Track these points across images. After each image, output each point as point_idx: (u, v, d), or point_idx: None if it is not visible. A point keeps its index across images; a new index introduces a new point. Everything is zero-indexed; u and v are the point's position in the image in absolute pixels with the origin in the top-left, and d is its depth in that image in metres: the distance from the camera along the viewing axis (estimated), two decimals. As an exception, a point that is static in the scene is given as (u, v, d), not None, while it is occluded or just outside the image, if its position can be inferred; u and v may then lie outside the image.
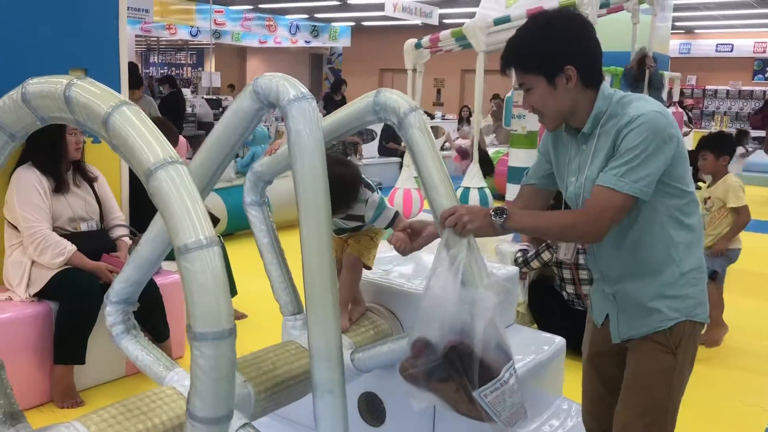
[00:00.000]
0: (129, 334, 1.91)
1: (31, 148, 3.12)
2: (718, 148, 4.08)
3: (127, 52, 3.72)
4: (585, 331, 2.11)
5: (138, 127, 1.25)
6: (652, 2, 5.92)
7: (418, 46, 6.64)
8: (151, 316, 3.27)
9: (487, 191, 6.07)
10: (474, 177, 6.04)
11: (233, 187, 6.11)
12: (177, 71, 23.50)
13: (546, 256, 3.59)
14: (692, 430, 2.77)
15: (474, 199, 5.90)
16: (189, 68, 24.86)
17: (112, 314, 1.89)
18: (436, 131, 14.31)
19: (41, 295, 3.07)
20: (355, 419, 2.55)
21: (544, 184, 2.03)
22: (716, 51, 19.19)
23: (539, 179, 2.03)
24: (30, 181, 3.06)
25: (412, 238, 2.04)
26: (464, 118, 13.01)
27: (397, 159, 10.77)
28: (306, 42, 18.81)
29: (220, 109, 10.75)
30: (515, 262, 3.78)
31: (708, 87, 19.29)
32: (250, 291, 4.31)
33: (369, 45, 21.25)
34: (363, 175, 2.27)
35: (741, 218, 4.04)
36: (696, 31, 19.20)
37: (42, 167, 3.11)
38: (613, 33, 6.70)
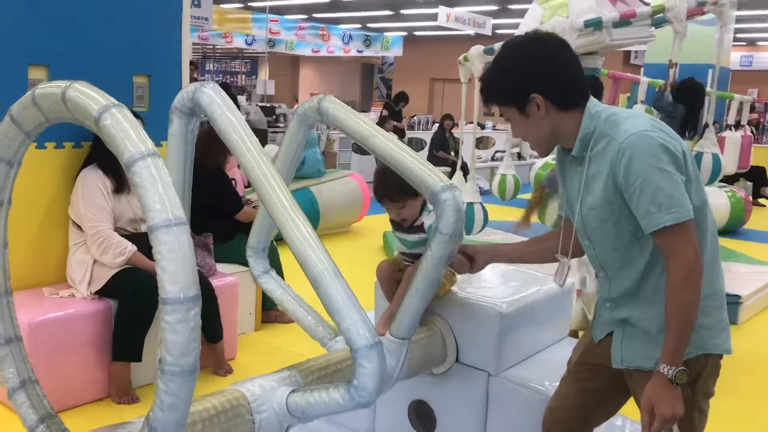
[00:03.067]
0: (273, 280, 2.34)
1: (96, 149, 3.24)
2: None
3: (188, 60, 3.82)
4: (581, 337, 2.06)
5: (123, 125, 1.36)
6: (720, 12, 5.69)
7: (488, 51, 6.37)
8: (205, 317, 3.32)
9: (477, 207, 5.55)
10: (467, 191, 5.59)
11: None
12: (232, 79, 23.95)
13: None
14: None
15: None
16: (243, 76, 25.32)
17: (256, 266, 2.32)
18: (487, 141, 14.22)
19: (102, 293, 3.17)
20: (405, 426, 2.55)
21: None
22: (776, 64, 18.63)
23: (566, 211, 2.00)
24: (94, 181, 3.17)
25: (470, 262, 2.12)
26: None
27: (447, 168, 10.78)
28: (358, 51, 18.99)
29: (274, 117, 10.93)
30: None
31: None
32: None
33: (420, 55, 21.31)
34: None
35: None
36: (758, 43, 18.67)
37: (105, 168, 3.21)
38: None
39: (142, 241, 3.21)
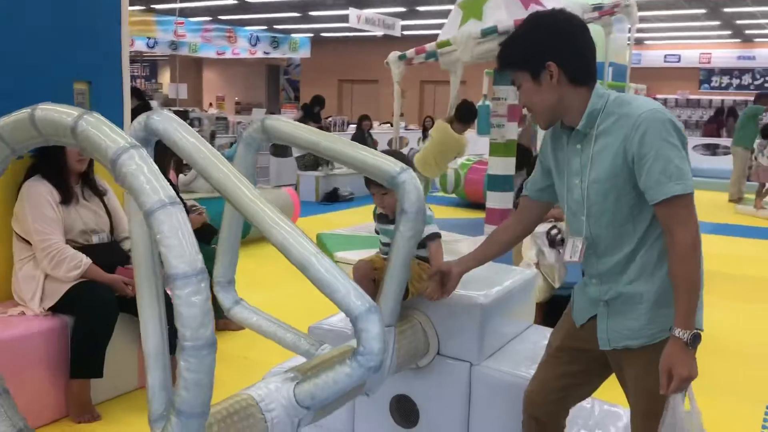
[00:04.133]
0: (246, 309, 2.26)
1: (40, 161, 3.10)
2: None
3: (128, 60, 3.70)
4: (559, 322, 2.15)
5: (98, 125, 1.37)
6: (628, 13, 6.09)
7: (402, 57, 6.80)
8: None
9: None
10: None
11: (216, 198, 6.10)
12: (131, 83, 23.10)
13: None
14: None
15: None
16: (143, 80, 24.49)
17: (225, 299, 2.25)
18: (400, 142, 14.43)
19: (55, 309, 3.03)
20: (387, 423, 2.60)
21: (540, 196, 2.11)
22: (665, 61, 19.92)
23: (535, 192, 2.11)
24: (41, 193, 3.03)
25: (443, 282, 2.19)
26: (428, 128, 13.16)
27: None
28: (265, 53, 18.78)
29: (188, 121, 10.66)
30: (550, 238, 3.70)
31: (658, 96, 19.95)
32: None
33: (328, 56, 21.33)
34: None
35: None
36: (646, 42, 19.87)
37: (51, 179, 3.08)
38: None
39: (94, 253, 3.10)
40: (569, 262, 1.96)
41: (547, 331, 2.77)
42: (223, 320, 4.21)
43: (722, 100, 18.54)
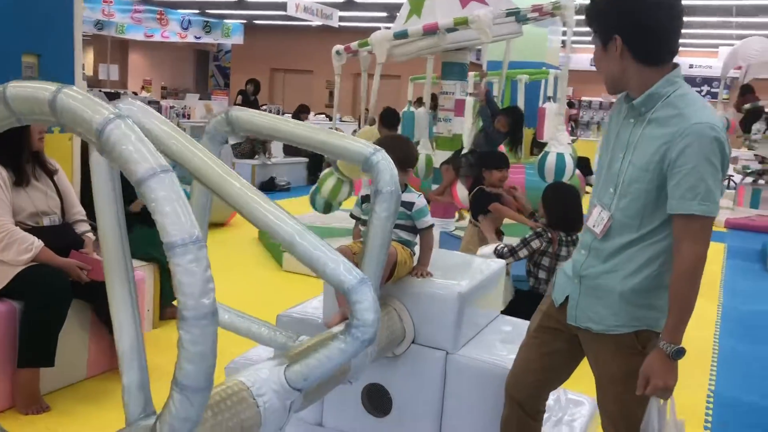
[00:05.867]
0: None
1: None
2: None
3: (81, 35, 3.53)
4: (539, 306, 2.19)
5: (79, 98, 1.32)
6: (564, 15, 6.27)
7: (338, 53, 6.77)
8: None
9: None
10: None
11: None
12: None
13: (536, 243, 3.64)
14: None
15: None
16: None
17: None
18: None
19: (3, 294, 2.86)
20: (359, 412, 2.58)
21: None
22: (590, 65, 20.56)
23: None
24: (-9, 173, 2.85)
25: None
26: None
27: (304, 159, 10.78)
28: (196, 38, 18.25)
29: (118, 104, 10.27)
30: (498, 254, 3.76)
31: (583, 98, 20.64)
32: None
33: (261, 44, 20.95)
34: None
35: None
36: (573, 46, 20.48)
37: (2, 159, 2.90)
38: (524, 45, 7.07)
39: (45, 236, 2.95)
40: (589, 230, 1.94)
41: (515, 321, 2.84)
42: (170, 308, 4.09)
43: (643, 105, 19.35)
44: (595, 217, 1.92)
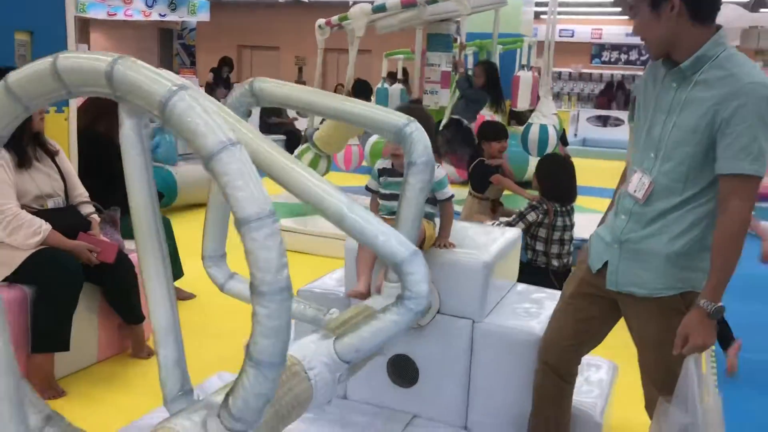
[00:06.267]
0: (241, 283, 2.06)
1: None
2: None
3: (73, 11, 3.42)
4: (574, 270, 2.21)
5: (141, 69, 1.26)
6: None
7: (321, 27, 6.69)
8: (127, 297, 3.09)
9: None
10: None
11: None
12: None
13: (531, 216, 3.64)
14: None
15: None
16: (21, 40, 22.65)
17: (218, 274, 2.00)
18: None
19: (13, 279, 2.79)
20: (384, 382, 2.59)
21: None
22: (559, 36, 20.63)
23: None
24: (-7, 156, 2.76)
25: None
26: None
27: (282, 137, 10.64)
28: (161, 15, 17.80)
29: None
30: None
31: (553, 69, 20.73)
32: (196, 271, 4.14)
33: (227, 21, 20.55)
34: None
35: None
36: (542, 16, 20.52)
37: (7, 142, 2.80)
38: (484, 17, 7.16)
39: (51, 219, 2.88)
40: (630, 195, 1.94)
41: (531, 288, 2.87)
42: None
43: (612, 75, 19.52)
44: (636, 182, 1.92)
